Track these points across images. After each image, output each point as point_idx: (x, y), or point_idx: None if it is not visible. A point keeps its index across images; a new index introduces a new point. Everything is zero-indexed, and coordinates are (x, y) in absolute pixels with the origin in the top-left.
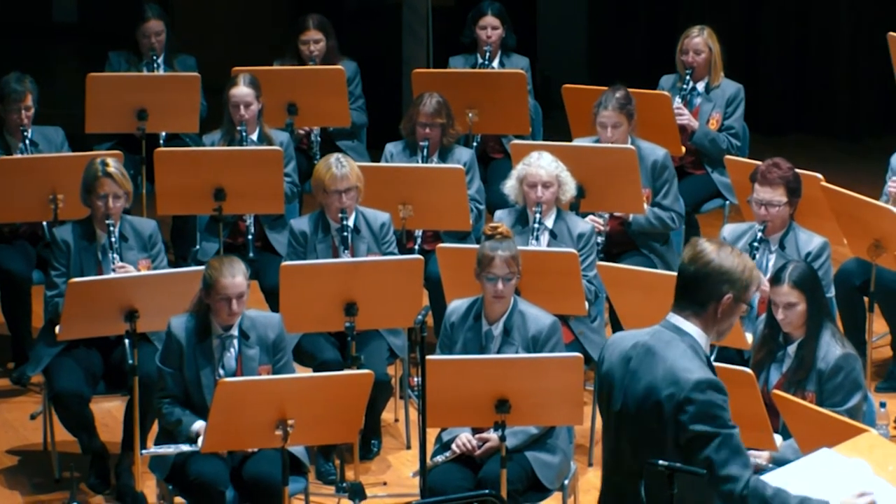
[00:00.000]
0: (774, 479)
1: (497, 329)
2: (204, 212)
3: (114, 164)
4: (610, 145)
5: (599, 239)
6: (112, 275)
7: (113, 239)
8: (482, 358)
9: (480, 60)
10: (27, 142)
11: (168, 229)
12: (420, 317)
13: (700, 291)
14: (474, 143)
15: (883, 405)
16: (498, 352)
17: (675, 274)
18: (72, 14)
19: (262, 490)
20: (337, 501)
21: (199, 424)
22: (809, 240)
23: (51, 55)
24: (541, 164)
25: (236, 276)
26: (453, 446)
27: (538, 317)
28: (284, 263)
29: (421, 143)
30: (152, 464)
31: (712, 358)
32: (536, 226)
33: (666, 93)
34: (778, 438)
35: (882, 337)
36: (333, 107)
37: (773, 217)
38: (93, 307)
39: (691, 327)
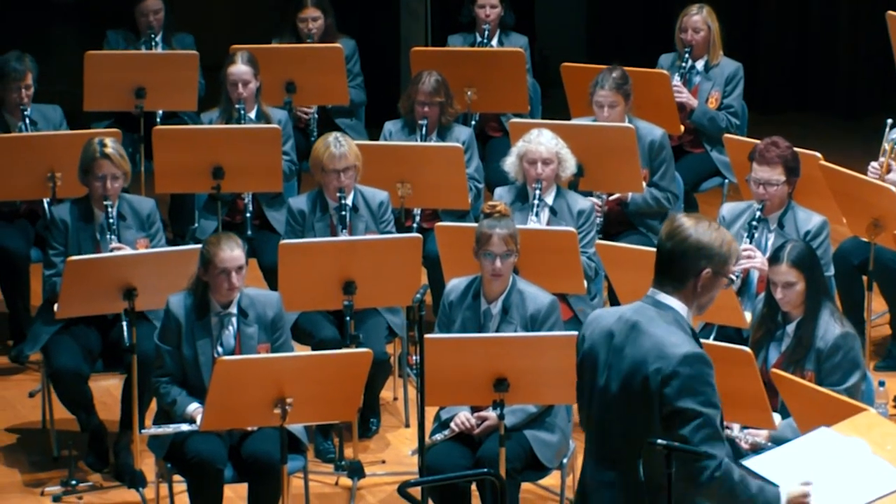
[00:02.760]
0: (773, 457)
1: (496, 308)
2: (202, 190)
3: (112, 145)
4: (609, 124)
5: (598, 220)
6: (110, 253)
7: (111, 219)
8: (480, 337)
9: (479, 39)
10: (26, 120)
11: (166, 207)
12: (419, 295)
13: (678, 267)
14: (473, 122)
15: (882, 384)
16: (496, 330)
17: None
18: None
19: (260, 468)
20: (336, 480)
21: (192, 406)
22: (808, 219)
23: (49, 33)
24: (541, 141)
25: (234, 249)
26: (452, 425)
27: (537, 295)
28: (283, 242)
29: (419, 122)
30: (151, 442)
31: (711, 337)
32: (537, 203)
33: (665, 71)
34: (777, 417)
35: (881, 316)
36: (332, 85)
37: (771, 196)
38: (91, 285)
39: (673, 301)
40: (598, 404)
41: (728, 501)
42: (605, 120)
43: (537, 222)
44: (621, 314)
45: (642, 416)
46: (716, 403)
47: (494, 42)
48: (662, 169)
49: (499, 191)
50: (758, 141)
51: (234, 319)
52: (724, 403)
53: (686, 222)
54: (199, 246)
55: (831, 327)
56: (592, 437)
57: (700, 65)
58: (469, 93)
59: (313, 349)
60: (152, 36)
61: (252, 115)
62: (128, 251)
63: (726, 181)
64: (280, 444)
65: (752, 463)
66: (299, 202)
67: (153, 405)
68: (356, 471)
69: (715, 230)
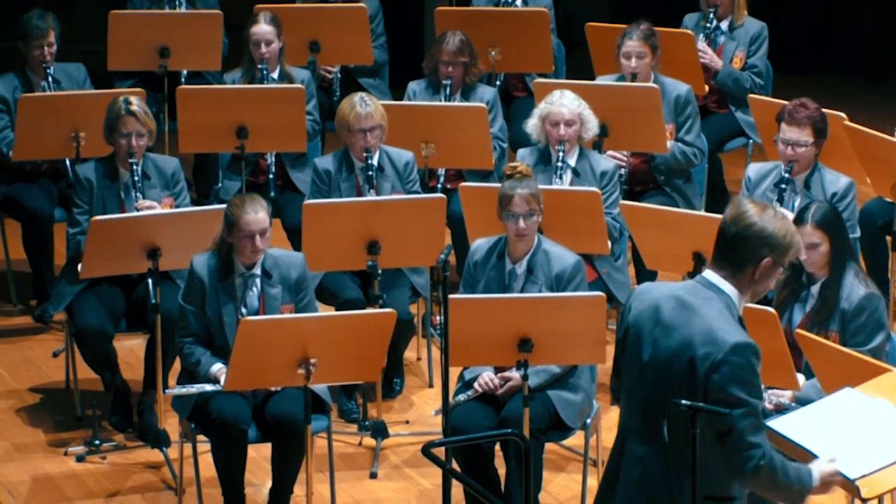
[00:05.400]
0: (797, 418)
1: (520, 268)
2: (226, 150)
3: (137, 103)
4: (633, 84)
5: (622, 171)
6: (134, 213)
7: (136, 177)
8: (505, 297)
9: None
10: (49, 79)
11: (190, 167)
12: (443, 255)
13: (739, 253)
14: (497, 82)
15: None
16: (521, 290)
17: (696, 213)
18: None
19: (284, 428)
20: (359, 440)
21: (216, 367)
22: (835, 180)
23: None
24: (563, 103)
25: (259, 212)
26: (476, 385)
27: (562, 255)
28: (307, 202)
29: (443, 82)
30: (174, 402)
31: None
32: (559, 164)
33: (689, 31)
34: (801, 378)
35: None
36: (355, 44)
37: (799, 157)
38: (115, 245)
39: (728, 286)
40: (641, 379)
41: (770, 488)
42: (632, 71)
43: (560, 184)
44: (672, 290)
45: (681, 394)
46: (760, 394)
47: (518, 2)
48: (688, 124)
49: (521, 152)
50: (783, 102)
51: (257, 280)
52: None
53: (752, 209)
54: (223, 206)
55: (856, 288)
56: (632, 411)
57: (724, 25)
58: (493, 53)
59: (337, 309)
60: None
61: (275, 75)
62: (155, 207)
63: (750, 141)
64: (304, 405)
65: (775, 423)
66: (325, 162)
67: (176, 365)
68: (380, 431)
69: (780, 220)
